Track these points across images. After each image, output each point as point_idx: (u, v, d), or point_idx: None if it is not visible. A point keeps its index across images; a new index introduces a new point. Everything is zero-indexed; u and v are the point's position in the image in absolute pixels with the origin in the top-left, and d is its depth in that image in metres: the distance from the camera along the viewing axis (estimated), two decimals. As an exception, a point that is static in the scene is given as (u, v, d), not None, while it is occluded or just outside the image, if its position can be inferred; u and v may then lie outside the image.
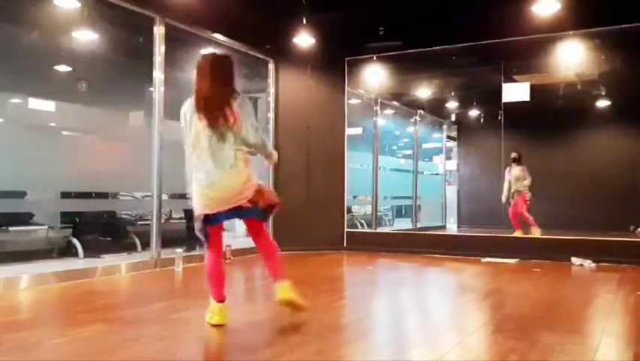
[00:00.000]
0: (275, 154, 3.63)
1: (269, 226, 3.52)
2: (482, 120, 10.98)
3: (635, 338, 3.27)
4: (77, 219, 6.54)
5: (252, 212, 3.37)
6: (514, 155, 8.84)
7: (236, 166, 3.26)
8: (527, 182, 8.71)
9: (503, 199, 8.80)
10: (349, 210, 9.26)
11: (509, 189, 8.76)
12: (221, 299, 3.41)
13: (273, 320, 3.72)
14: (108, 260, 5.82)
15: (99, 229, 6.86)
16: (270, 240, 3.59)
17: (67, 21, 6.60)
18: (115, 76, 7.57)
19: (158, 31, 5.87)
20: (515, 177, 8.74)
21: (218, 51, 3.69)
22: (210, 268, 3.44)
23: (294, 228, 7.31)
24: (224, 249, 3.65)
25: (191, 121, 3.33)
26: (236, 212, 3.36)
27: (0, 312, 3.85)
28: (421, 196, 11.20)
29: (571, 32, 6.75)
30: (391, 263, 6.72)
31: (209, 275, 3.46)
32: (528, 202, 8.61)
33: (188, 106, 3.39)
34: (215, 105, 3.28)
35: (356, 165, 8.81)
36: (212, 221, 3.34)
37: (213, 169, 3.24)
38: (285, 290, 3.44)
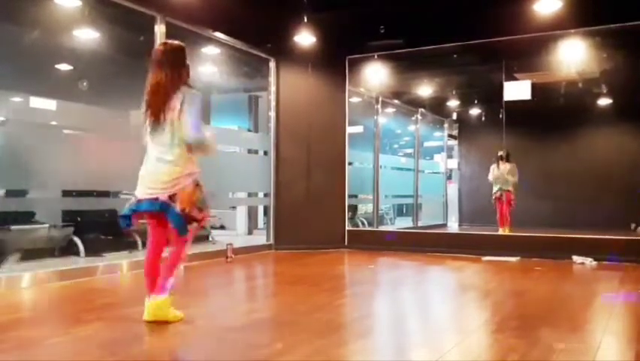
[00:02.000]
0: (212, 146, 3.40)
1: (189, 239, 3.39)
2: (483, 119, 10.99)
3: (637, 337, 3.27)
4: (79, 218, 6.54)
5: (170, 212, 3.24)
6: (501, 153, 8.82)
7: (172, 162, 3.24)
8: (515, 180, 8.71)
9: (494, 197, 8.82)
10: (356, 209, 9.28)
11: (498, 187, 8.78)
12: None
13: (273, 318, 3.73)
14: (109, 259, 5.83)
15: (100, 227, 6.85)
16: (174, 252, 3.39)
17: (69, 20, 6.61)
18: (116, 75, 7.59)
19: (159, 30, 5.87)
20: (506, 175, 8.71)
21: (170, 41, 3.53)
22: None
23: (294, 226, 7.32)
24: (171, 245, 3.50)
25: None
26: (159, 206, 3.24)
27: (1, 311, 3.85)
28: (422, 195, 11.19)
29: (572, 30, 6.74)
30: (392, 262, 6.72)
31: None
32: (513, 202, 8.63)
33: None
34: (156, 100, 3.26)
35: (356, 163, 8.80)
36: (138, 208, 3.31)
37: (154, 161, 3.29)
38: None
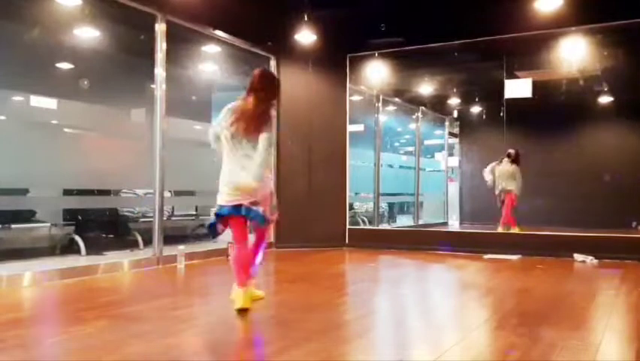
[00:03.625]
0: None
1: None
2: (484, 117, 10.97)
3: (638, 334, 3.27)
4: (79, 217, 6.55)
5: (253, 214, 3.66)
6: (511, 151, 8.78)
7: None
8: (519, 182, 8.68)
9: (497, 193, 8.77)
10: (351, 207, 9.26)
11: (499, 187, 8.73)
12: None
13: (274, 316, 3.73)
14: (110, 257, 5.83)
15: (101, 226, 6.86)
16: (256, 248, 3.87)
17: (69, 19, 6.60)
18: (117, 73, 7.58)
19: (160, 28, 5.86)
20: (507, 175, 8.68)
21: (270, 71, 4.32)
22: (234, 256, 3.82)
23: (295, 225, 7.31)
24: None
25: None
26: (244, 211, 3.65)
27: (3, 309, 3.86)
28: (423, 193, 11.18)
29: (573, 28, 6.73)
30: (393, 260, 6.72)
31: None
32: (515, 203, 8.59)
33: None
34: (251, 119, 3.70)
35: (357, 162, 8.80)
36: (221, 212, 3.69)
37: (238, 170, 3.67)
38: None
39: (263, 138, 3.61)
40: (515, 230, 8.16)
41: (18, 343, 2.94)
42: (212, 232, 3.77)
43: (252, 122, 3.62)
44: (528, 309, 3.92)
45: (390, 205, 11.33)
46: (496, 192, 8.74)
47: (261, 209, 3.63)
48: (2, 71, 6.03)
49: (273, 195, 3.83)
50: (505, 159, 8.68)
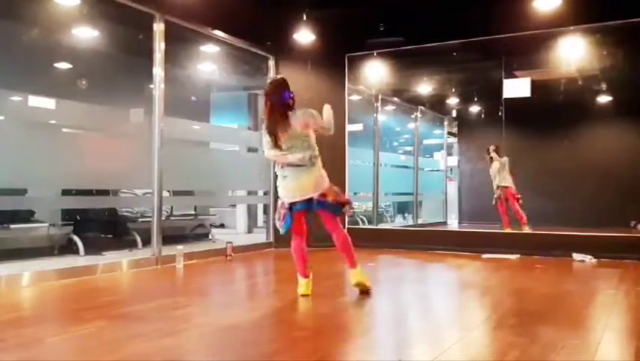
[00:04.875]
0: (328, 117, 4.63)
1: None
2: (483, 116, 10.97)
3: (637, 333, 3.27)
4: (78, 217, 6.54)
5: (326, 206, 4.14)
6: (493, 147, 8.74)
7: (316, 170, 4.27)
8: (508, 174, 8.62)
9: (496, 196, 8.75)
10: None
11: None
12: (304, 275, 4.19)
13: (274, 316, 3.73)
14: (109, 257, 5.82)
15: (100, 226, 6.85)
16: (340, 235, 4.26)
17: (67, 18, 6.60)
18: (115, 73, 7.58)
19: (158, 27, 5.85)
20: (501, 170, 8.67)
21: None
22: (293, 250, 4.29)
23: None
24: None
25: None
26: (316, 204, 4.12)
27: (2, 309, 3.85)
28: (422, 193, 11.19)
29: (572, 28, 6.73)
30: (392, 260, 6.72)
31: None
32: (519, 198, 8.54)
33: None
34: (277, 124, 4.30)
35: (356, 161, 8.80)
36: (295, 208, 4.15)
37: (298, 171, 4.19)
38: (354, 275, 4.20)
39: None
40: (527, 229, 7.98)
41: (18, 343, 2.93)
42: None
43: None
44: (527, 308, 3.92)
45: (392, 204, 11.34)
46: (496, 191, 8.73)
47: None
48: (0, 71, 6.03)
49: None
50: (494, 155, 8.68)
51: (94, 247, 6.14)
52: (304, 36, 7.22)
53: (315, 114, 4.34)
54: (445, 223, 11.32)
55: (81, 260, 5.75)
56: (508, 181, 8.62)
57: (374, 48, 7.79)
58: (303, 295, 4.08)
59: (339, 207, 4.13)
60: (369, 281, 4.25)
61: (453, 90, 11.01)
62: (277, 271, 5.99)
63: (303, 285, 4.16)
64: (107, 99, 6.09)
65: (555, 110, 9.28)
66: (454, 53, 7.97)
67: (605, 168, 9.34)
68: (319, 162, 4.21)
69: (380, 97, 9.48)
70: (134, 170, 5.94)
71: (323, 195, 4.07)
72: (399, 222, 11.35)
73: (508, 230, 8.18)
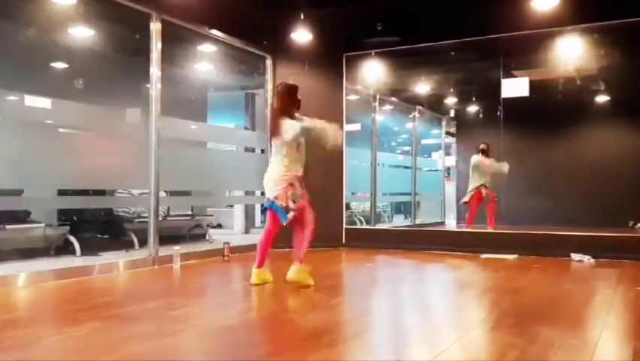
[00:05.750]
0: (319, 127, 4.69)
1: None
2: (481, 116, 10.96)
3: (635, 333, 3.26)
4: (75, 217, 6.51)
5: (274, 207, 4.53)
6: (483, 146, 8.74)
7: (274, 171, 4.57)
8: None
9: (468, 198, 8.75)
10: (347, 207, 9.25)
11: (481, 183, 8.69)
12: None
13: (270, 317, 3.71)
14: (106, 258, 5.80)
15: (96, 226, 6.83)
16: (300, 235, 4.58)
17: (64, 18, 6.58)
18: (112, 73, 7.55)
19: (155, 27, 5.83)
20: (484, 170, 8.68)
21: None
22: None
23: (291, 225, 7.26)
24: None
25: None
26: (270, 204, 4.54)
27: (-3, 310, 3.83)
28: (420, 193, 11.17)
29: (570, 27, 6.73)
30: (390, 260, 6.71)
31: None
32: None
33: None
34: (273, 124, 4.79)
35: (354, 161, 8.79)
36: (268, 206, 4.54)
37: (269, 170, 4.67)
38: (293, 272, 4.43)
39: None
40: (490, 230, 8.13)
41: (13, 343, 2.91)
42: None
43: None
44: (525, 308, 3.91)
45: (390, 205, 11.33)
46: (477, 187, 8.68)
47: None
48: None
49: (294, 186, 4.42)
50: (482, 156, 8.70)
51: (90, 248, 6.11)
52: (302, 36, 7.20)
53: (289, 122, 4.51)
54: (442, 223, 11.31)
55: (78, 261, 5.72)
56: (488, 182, 8.65)
57: (372, 48, 7.78)
58: (254, 285, 4.53)
59: (284, 213, 4.37)
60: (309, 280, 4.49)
61: (451, 90, 11.01)
62: (274, 271, 5.97)
63: (255, 274, 4.62)
64: (103, 99, 6.06)
65: (553, 110, 9.29)
66: (452, 53, 7.97)
67: (603, 167, 9.35)
68: (282, 164, 4.47)
69: (378, 97, 9.46)
70: (130, 170, 5.92)
71: (276, 197, 4.40)
72: (399, 223, 11.34)
73: (470, 229, 8.16)
